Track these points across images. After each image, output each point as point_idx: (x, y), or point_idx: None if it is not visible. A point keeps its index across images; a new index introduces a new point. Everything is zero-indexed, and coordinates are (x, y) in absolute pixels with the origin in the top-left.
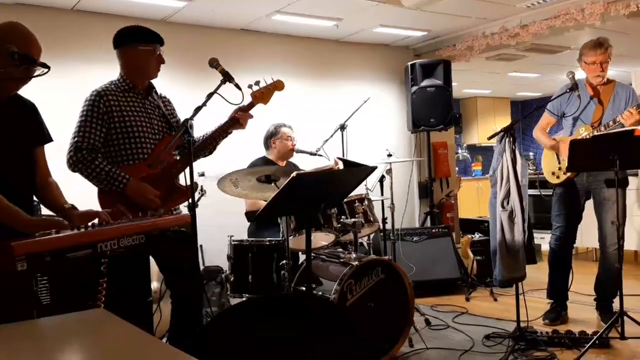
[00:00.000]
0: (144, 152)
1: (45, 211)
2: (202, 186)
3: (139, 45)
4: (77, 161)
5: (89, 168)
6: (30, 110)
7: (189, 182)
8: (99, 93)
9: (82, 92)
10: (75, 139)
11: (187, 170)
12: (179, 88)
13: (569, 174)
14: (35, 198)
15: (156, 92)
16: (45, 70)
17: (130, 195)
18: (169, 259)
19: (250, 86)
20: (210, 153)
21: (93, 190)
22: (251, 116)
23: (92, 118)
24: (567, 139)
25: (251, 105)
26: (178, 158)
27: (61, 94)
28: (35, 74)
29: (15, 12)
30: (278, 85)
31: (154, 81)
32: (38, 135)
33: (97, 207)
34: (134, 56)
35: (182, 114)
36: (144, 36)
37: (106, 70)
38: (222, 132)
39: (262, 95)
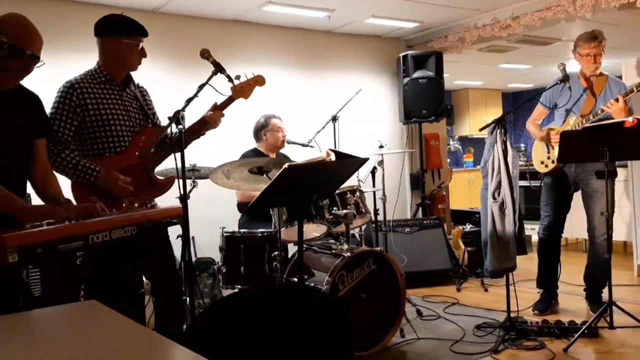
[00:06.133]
0: (120, 144)
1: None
2: (193, 177)
3: (122, 37)
4: None
5: (55, 161)
6: (32, 102)
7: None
8: (73, 85)
9: None
10: None
11: (179, 161)
12: (170, 79)
13: (556, 163)
14: (33, 191)
15: (134, 83)
16: (40, 63)
17: (102, 186)
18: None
19: (230, 80)
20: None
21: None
22: (223, 115)
23: (63, 111)
24: (556, 128)
25: (231, 100)
26: (153, 151)
27: (47, 84)
28: (37, 66)
29: (2, 2)
30: (259, 80)
31: (142, 72)
32: (38, 127)
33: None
34: (115, 48)
35: (173, 104)
36: (128, 28)
37: (94, 60)
38: (192, 134)
39: (243, 89)
